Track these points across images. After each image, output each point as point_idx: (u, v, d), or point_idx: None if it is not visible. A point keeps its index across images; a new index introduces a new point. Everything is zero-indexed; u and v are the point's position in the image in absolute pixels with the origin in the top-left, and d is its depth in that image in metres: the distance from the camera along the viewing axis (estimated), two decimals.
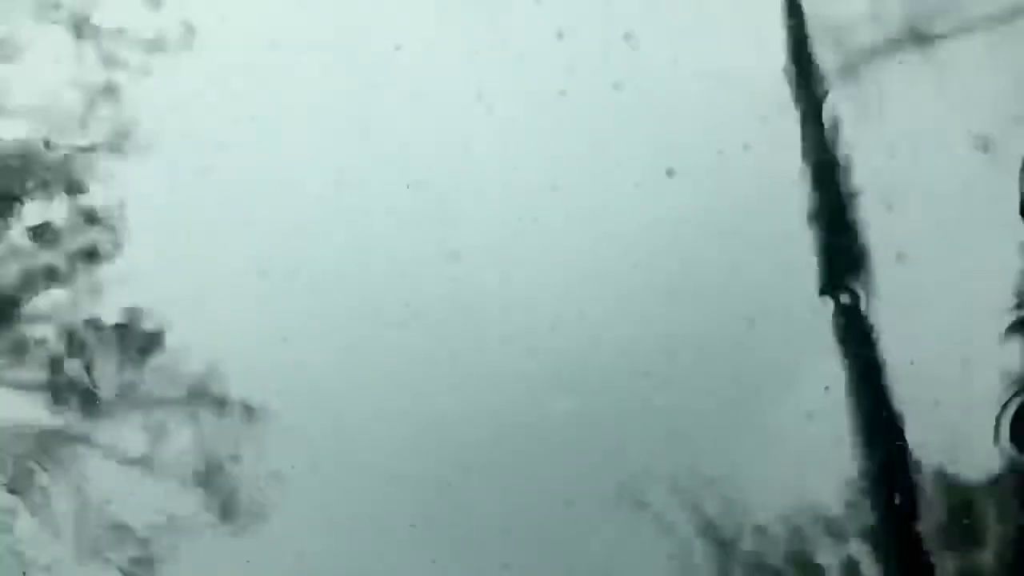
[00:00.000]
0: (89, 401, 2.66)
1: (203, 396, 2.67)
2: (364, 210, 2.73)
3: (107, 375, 2.68)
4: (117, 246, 2.72)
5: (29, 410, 2.66)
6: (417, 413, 2.67)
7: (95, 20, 2.76)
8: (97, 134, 2.74)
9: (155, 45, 2.76)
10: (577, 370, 2.68)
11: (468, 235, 2.73)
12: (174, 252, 2.70)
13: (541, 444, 2.66)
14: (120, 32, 2.76)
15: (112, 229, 2.72)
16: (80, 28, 2.75)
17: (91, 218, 2.72)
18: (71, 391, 2.67)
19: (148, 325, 2.68)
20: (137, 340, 2.68)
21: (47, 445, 2.64)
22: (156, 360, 2.68)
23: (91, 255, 2.71)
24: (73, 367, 2.68)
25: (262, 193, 2.72)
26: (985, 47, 2.76)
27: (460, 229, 2.73)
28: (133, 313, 2.69)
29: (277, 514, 2.65)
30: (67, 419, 2.66)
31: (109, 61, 2.75)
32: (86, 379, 2.67)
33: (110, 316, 2.70)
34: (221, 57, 2.75)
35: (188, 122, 2.72)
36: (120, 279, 2.71)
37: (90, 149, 2.73)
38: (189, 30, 2.76)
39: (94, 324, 2.69)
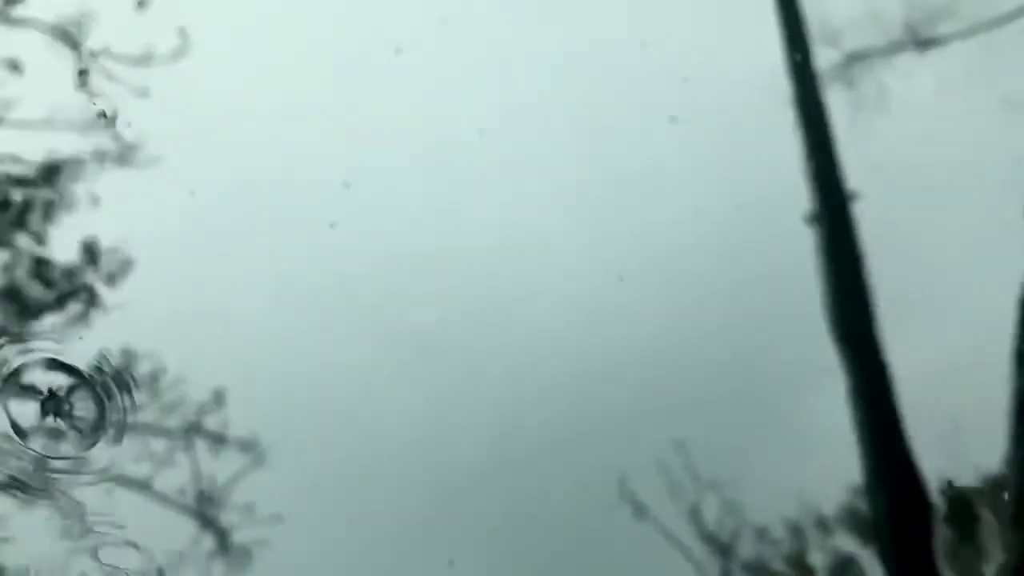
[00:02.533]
0: (89, 424, 2.66)
1: (201, 427, 2.66)
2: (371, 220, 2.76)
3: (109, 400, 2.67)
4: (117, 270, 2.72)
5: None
6: (420, 418, 2.68)
7: (95, 37, 2.78)
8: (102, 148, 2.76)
9: (152, 58, 2.77)
10: (580, 374, 2.68)
11: (472, 237, 2.74)
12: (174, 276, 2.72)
13: (542, 448, 2.66)
14: (117, 47, 2.77)
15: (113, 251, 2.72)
16: (80, 44, 2.77)
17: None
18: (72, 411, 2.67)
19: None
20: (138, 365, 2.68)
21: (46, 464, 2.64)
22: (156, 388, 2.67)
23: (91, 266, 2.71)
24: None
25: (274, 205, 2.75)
26: (985, 48, 2.77)
27: (463, 229, 2.74)
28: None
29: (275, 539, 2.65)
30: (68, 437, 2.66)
31: (109, 77, 2.76)
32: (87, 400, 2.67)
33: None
34: (224, 66, 2.77)
35: (193, 137, 2.75)
36: (121, 299, 2.71)
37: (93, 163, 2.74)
38: (185, 42, 2.77)
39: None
